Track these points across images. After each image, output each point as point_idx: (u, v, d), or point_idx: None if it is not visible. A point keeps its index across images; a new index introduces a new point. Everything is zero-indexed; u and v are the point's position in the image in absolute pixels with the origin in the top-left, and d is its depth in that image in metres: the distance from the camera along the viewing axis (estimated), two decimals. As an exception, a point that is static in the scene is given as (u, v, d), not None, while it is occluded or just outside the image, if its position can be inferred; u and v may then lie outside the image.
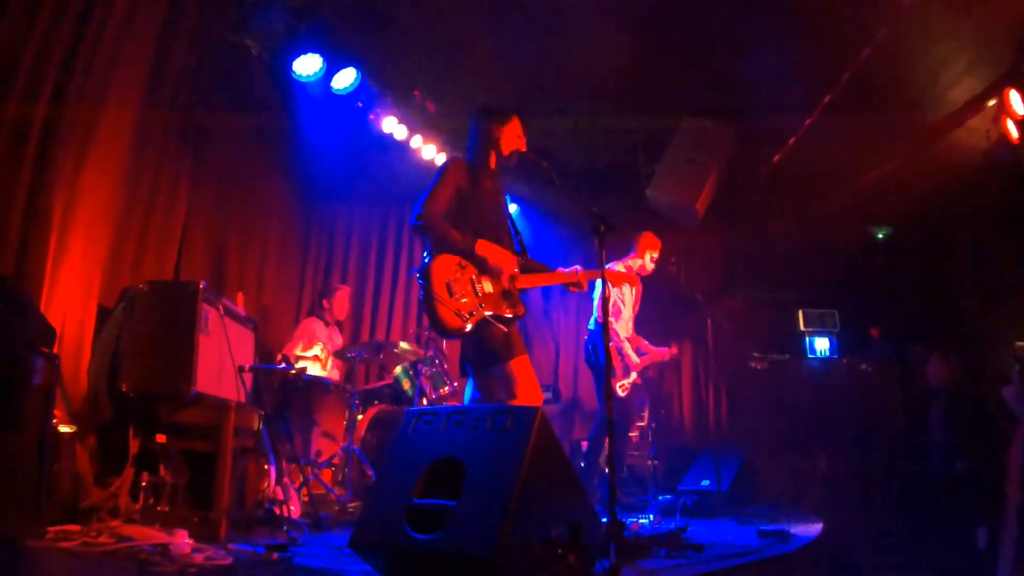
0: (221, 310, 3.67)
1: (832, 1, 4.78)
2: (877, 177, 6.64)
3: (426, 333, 5.57)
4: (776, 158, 6.59)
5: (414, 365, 5.49)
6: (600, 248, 3.08)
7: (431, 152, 6.43)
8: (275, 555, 2.82)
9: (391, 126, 6.01)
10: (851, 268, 7.65)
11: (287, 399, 4.92)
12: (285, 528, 3.50)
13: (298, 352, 5.58)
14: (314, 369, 5.57)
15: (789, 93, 5.68)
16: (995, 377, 5.64)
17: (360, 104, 5.69)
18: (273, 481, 3.86)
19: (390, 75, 5.76)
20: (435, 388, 5.40)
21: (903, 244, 7.75)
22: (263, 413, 3.92)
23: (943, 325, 7.17)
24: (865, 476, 6.22)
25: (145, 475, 3.28)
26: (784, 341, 7.32)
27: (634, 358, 5.50)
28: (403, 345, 5.69)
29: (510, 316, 3.32)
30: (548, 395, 6.84)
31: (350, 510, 4.57)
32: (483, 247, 3.30)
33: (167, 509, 3.28)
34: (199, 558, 2.62)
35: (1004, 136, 5.31)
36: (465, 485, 2.34)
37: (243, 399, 3.79)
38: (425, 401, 5.28)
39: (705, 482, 5.69)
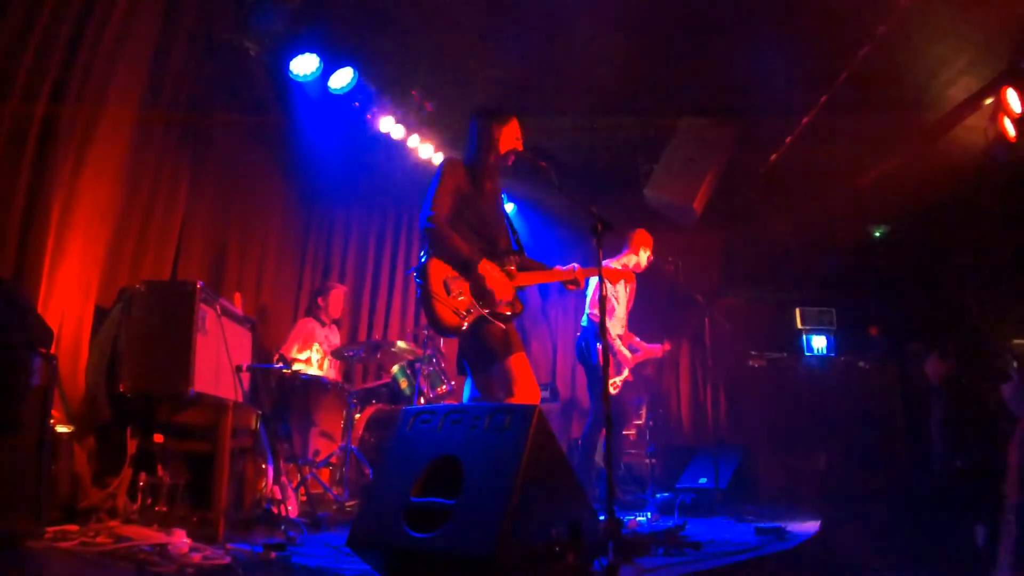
0: (218, 310, 3.68)
1: (831, 0, 4.79)
2: (875, 176, 6.65)
3: (424, 332, 5.57)
4: (774, 157, 6.59)
5: (412, 364, 5.50)
6: (598, 247, 3.10)
7: (428, 152, 6.43)
8: (273, 554, 2.82)
9: (388, 126, 6.01)
10: (849, 266, 7.66)
11: (285, 399, 4.93)
12: (283, 527, 3.50)
13: (294, 353, 5.58)
14: (309, 370, 5.56)
15: (787, 92, 5.68)
16: (994, 375, 5.64)
17: (357, 104, 5.69)
18: (271, 480, 3.86)
19: (388, 75, 5.76)
20: (433, 387, 5.40)
21: (901, 242, 7.76)
22: (261, 413, 3.92)
23: (941, 323, 7.17)
24: (863, 474, 6.22)
25: (143, 475, 3.27)
26: (782, 339, 7.33)
27: (626, 355, 5.54)
28: (401, 344, 5.69)
29: (508, 314, 3.32)
30: (546, 394, 6.85)
31: (348, 509, 4.57)
32: (485, 268, 3.25)
33: (165, 509, 3.27)
34: (197, 558, 2.62)
35: (1002, 134, 5.31)
36: (463, 484, 2.34)
37: (241, 399, 3.80)
38: (423, 400, 5.29)
39: (703, 480, 5.70)
